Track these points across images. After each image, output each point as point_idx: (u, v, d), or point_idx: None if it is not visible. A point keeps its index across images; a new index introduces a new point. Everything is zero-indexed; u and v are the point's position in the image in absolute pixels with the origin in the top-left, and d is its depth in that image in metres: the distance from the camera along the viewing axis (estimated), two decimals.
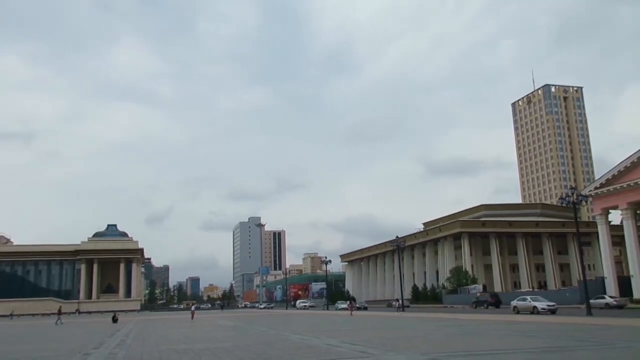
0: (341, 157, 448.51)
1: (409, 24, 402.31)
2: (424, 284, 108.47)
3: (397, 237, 77.13)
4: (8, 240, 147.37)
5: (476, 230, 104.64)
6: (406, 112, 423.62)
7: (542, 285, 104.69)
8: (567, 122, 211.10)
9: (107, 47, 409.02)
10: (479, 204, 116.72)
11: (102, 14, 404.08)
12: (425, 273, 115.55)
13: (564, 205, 46.66)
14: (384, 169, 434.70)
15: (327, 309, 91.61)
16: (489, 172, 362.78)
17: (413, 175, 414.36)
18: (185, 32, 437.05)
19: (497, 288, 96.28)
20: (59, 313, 60.88)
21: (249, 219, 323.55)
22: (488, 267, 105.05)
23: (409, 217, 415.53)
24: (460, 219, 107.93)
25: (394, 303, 73.80)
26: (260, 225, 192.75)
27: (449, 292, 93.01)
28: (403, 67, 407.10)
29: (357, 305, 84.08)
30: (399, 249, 75.30)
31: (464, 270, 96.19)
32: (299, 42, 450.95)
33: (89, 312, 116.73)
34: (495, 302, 65.01)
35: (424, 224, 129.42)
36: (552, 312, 43.92)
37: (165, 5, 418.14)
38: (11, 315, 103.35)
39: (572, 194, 43.97)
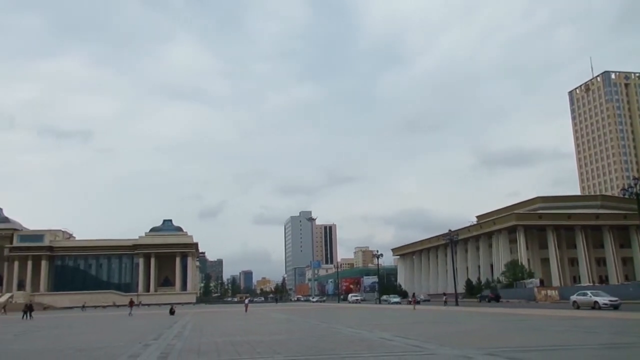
0: (392, 149, 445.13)
1: (460, 12, 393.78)
2: (478, 278, 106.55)
3: (449, 230, 76.01)
4: (71, 236, 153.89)
5: (532, 223, 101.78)
6: (458, 103, 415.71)
7: (604, 280, 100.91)
8: (629, 109, 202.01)
9: (161, 47, 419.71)
10: (535, 196, 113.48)
11: (155, 14, 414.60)
12: (479, 267, 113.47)
13: (626, 196, 44.81)
14: (435, 161, 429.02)
15: (379, 302, 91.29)
16: (545, 163, 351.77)
17: (466, 167, 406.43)
18: (236, 30, 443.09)
19: (555, 282, 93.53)
20: (131, 305, 63.02)
21: (299, 213, 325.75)
22: (545, 261, 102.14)
23: (462, 210, 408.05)
24: (515, 212, 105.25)
25: (444, 297, 72.86)
26: (311, 220, 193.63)
27: (504, 287, 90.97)
28: (455, 57, 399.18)
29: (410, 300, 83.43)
30: (452, 242, 74.20)
31: (520, 264, 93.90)
32: (348, 36, 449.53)
33: (148, 305, 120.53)
34: (495, 297, 75.31)
35: (477, 217, 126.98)
36: (615, 307, 42.23)
37: (215, 3, 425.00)
38: (83, 306, 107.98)
39: (636, 184, 42.09)
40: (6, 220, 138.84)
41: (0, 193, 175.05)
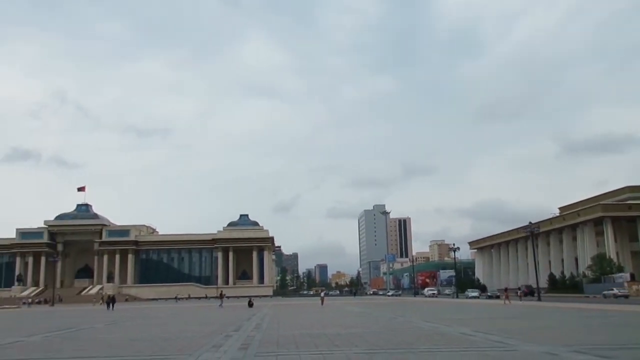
0: (469, 140, 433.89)
1: None
2: (562, 272, 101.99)
3: (530, 222, 73.22)
4: (154, 231, 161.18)
5: (621, 214, 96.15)
6: (539, 89, 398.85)
7: None
8: None
9: (237, 46, 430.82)
10: (623, 185, 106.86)
11: (230, 15, 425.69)
12: (562, 261, 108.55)
13: None
14: (514, 150, 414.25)
15: (457, 297, 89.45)
16: (636, 151, 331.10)
17: (548, 155, 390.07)
18: (309, 26, 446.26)
19: None
20: (221, 296, 65.00)
21: (373, 206, 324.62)
22: (636, 255, 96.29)
23: (543, 201, 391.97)
24: (601, 203, 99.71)
25: (518, 292, 70.22)
26: (385, 213, 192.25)
27: (590, 281, 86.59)
28: (534, 42, 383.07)
29: (489, 294, 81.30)
30: (532, 235, 71.47)
31: (607, 257, 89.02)
32: (421, 27, 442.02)
33: (227, 297, 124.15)
34: (530, 292, 76.66)
35: (560, 208, 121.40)
36: None
37: (289, 1, 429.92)
38: (176, 298, 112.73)
39: None
40: (96, 216, 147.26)
41: (90, 191, 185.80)
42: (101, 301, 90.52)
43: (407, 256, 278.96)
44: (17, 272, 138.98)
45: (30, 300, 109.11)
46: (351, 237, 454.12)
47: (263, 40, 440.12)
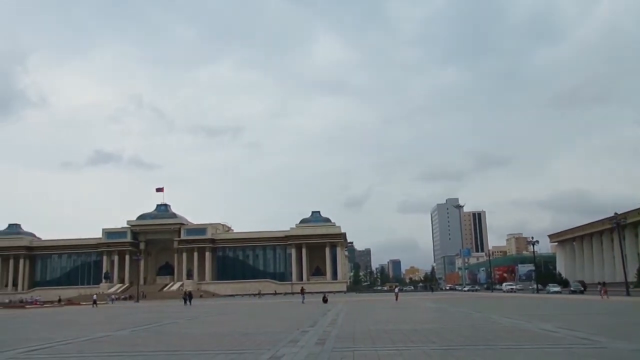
0: (546, 128, 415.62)
1: None
2: None
3: (615, 213, 69.35)
4: (229, 229, 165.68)
5: None
6: (623, 72, 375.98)
7: None
8: None
9: (305, 45, 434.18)
10: None
11: (297, 14, 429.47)
12: None
13: None
14: (597, 138, 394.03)
15: (537, 292, 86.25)
16: None
17: (633, 142, 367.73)
18: (377, 20, 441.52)
19: None
20: (302, 292, 66.07)
21: (446, 200, 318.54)
22: None
23: (628, 191, 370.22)
24: None
25: (599, 287, 66.45)
26: (459, 207, 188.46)
27: None
28: (617, 23, 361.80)
29: (572, 289, 77.81)
30: (618, 226, 67.68)
31: None
32: (493, 15, 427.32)
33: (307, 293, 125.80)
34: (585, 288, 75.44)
35: None
36: None
37: None
38: (259, 294, 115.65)
39: None
40: (174, 216, 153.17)
41: (168, 191, 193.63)
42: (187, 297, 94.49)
43: (482, 250, 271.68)
44: (104, 270, 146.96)
45: (114, 296, 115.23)
46: (424, 232, 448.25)
47: (331, 36, 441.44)
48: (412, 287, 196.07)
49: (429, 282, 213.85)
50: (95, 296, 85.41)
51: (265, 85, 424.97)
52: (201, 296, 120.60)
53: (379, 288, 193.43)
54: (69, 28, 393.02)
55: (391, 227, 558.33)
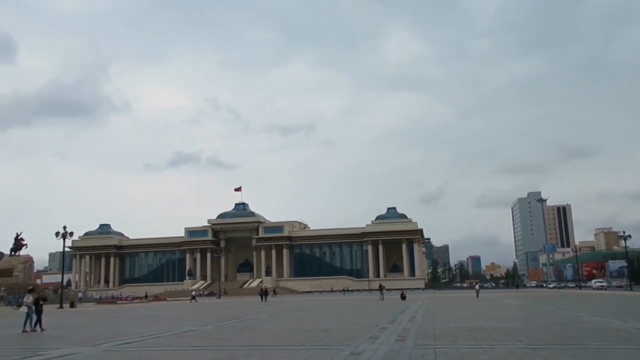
0: (635, 116, 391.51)
1: None
2: None
3: None
4: (306, 226, 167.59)
5: None
6: None
7: None
8: None
9: (377, 41, 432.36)
10: None
11: (369, 7, 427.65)
12: None
13: None
14: None
15: (631, 289, 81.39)
16: None
17: None
18: (450, 12, 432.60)
19: None
20: (381, 289, 66.05)
21: (528, 194, 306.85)
22: None
23: None
24: None
25: None
26: (542, 200, 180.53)
27: None
28: None
29: None
30: None
31: None
32: (572, 1, 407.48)
33: (386, 290, 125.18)
34: None
35: None
36: None
37: None
38: (343, 290, 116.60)
39: None
40: (252, 214, 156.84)
41: (246, 190, 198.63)
42: (273, 293, 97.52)
43: (568, 246, 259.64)
44: (187, 267, 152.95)
45: (194, 292, 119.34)
46: (504, 227, 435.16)
47: (404, 31, 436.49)
48: (493, 284, 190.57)
49: (511, 279, 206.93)
50: (193, 292, 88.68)
51: (338, 82, 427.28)
52: (275, 292, 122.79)
53: (458, 285, 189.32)
54: (148, 36, 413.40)
55: (469, 222, 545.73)
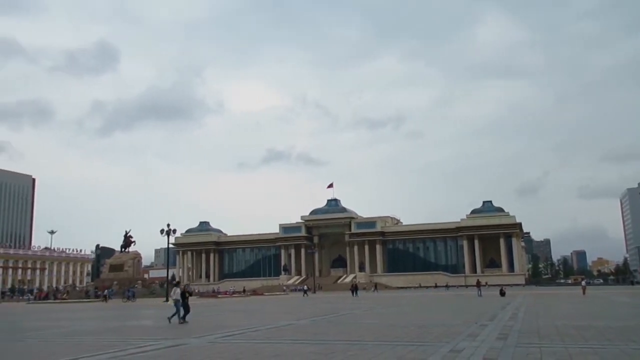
0: None
1: None
2: None
3: None
4: (398, 221, 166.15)
5: None
6: None
7: None
8: None
9: (468, 29, 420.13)
10: None
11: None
12: None
13: None
14: None
15: None
16: None
17: None
18: None
19: None
20: (478, 285, 64.58)
21: (638, 184, 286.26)
22: None
23: None
24: None
25: None
26: None
27: None
28: None
29: None
30: None
31: None
32: None
33: (478, 286, 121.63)
34: None
35: None
36: None
37: None
38: (447, 286, 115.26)
39: None
40: (344, 210, 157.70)
41: (337, 186, 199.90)
42: (374, 288, 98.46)
43: None
44: (282, 263, 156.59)
45: (285, 287, 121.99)
46: (612, 219, 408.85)
47: (498, 16, 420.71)
48: (602, 280, 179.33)
49: (622, 275, 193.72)
50: (305, 286, 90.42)
51: (427, 74, 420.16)
52: (364, 289, 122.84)
53: (562, 281, 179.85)
54: (238, 38, 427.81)
55: (572, 214, 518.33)
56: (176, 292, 25.20)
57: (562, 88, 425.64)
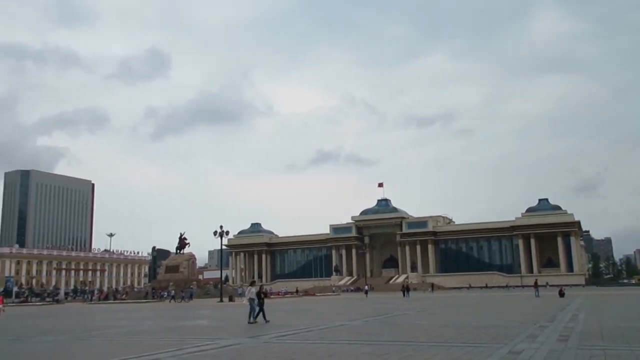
0: None
1: None
2: None
3: None
4: (450, 221, 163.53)
5: None
6: None
7: None
8: None
9: (519, 23, 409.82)
10: None
11: None
12: None
13: None
14: None
15: None
16: None
17: None
18: None
19: None
20: (536, 286, 63.13)
21: None
22: None
23: None
24: None
25: None
26: None
27: None
28: None
29: None
30: None
31: None
32: None
33: (535, 287, 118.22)
34: None
35: None
36: None
37: None
38: (507, 286, 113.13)
39: None
40: (394, 210, 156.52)
41: (387, 186, 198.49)
42: (430, 288, 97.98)
43: None
44: (333, 264, 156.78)
45: (335, 288, 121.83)
46: None
47: (551, 8, 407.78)
48: None
49: None
50: (366, 287, 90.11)
51: (477, 70, 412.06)
52: (415, 289, 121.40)
53: (625, 281, 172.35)
54: (286, 41, 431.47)
55: (634, 211, 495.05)
56: (251, 292, 25.36)
57: (620, 80, 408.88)
